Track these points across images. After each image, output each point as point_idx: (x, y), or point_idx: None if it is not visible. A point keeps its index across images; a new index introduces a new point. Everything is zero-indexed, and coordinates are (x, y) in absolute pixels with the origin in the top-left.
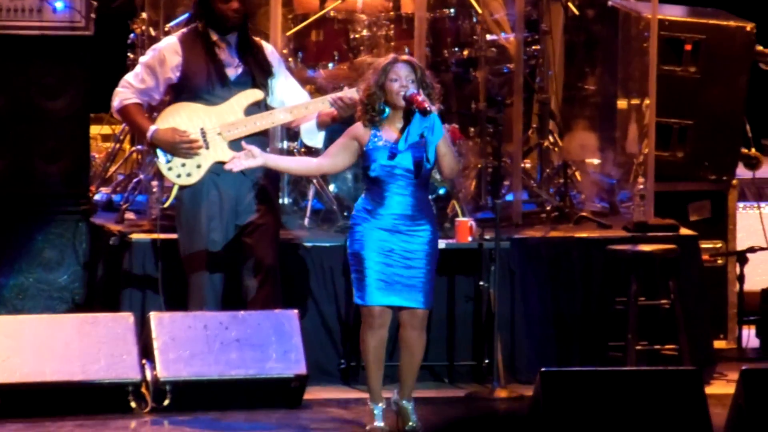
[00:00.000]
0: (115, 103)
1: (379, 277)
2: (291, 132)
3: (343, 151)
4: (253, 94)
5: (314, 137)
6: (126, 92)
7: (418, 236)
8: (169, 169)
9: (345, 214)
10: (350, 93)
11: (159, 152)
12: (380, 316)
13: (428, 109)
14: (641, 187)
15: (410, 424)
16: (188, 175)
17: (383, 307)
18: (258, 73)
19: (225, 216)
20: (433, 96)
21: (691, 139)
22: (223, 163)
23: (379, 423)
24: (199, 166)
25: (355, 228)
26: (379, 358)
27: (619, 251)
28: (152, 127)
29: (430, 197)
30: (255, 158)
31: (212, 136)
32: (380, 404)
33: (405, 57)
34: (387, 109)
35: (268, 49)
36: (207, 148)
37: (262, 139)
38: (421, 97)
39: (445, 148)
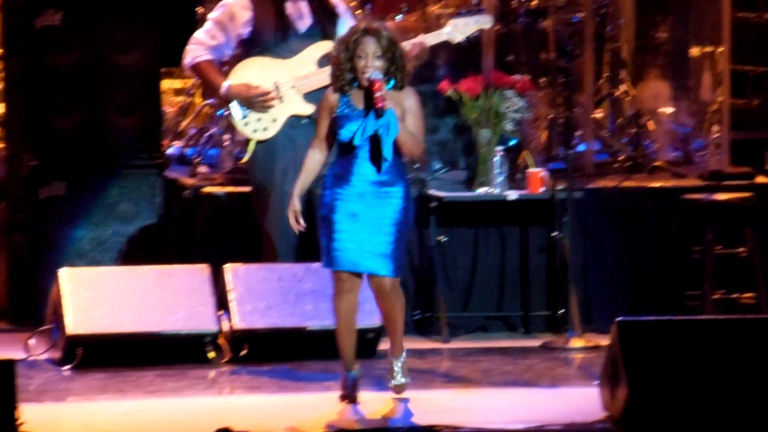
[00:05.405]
0: (187, 60)
1: (347, 243)
2: None
3: (329, 128)
4: (325, 46)
5: None
6: (197, 49)
7: (388, 202)
8: (245, 124)
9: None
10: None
11: (234, 107)
12: (348, 281)
13: (382, 107)
14: (716, 135)
15: (393, 381)
16: (264, 129)
17: (350, 272)
18: (328, 24)
19: (298, 168)
20: (400, 68)
21: (766, 87)
22: (298, 116)
23: (348, 391)
24: (274, 120)
25: (325, 192)
26: (348, 325)
27: (695, 200)
28: (225, 83)
29: (403, 160)
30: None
31: (286, 89)
32: (352, 372)
33: (374, 26)
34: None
35: None
36: (281, 101)
37: None
38: (378, 92)
39: (405, 137)
